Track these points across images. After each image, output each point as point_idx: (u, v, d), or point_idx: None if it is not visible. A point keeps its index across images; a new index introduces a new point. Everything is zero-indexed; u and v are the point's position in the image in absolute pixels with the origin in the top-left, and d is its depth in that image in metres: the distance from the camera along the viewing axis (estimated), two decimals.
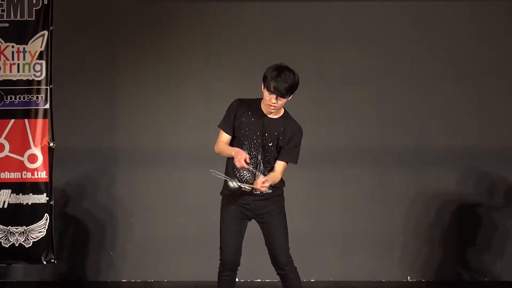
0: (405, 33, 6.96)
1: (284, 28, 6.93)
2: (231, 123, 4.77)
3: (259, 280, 6.87)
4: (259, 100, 4.79)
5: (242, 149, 4.70)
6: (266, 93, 4.65)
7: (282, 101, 4.65)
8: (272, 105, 4.65)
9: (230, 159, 4.78)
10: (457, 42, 6.95)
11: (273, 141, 4.73)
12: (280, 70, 4.63)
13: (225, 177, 4.70)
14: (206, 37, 6.95)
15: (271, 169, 4.78)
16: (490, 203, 6.92)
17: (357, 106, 6.96)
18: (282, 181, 4.85)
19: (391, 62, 6.95)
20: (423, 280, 6.95)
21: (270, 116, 4.76)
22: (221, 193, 4.92)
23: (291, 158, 4.80)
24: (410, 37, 6.95)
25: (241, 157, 4.55)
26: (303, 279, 4.92)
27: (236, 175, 4.75)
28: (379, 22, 6.95)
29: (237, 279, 4.92)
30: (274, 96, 4.62)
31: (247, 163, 4.57)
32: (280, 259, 4.77)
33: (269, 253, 4.83)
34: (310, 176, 6.87)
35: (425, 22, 6.95)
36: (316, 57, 6.94)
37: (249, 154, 4.70)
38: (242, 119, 4.74)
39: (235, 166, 4.66)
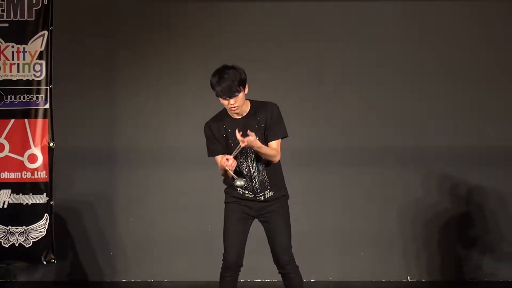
0: (405, 33, 6.96)
1: (284, 28, 6.93)
2: (217, 145, 4.71)
3: (259, 280, 6.87)
4: (223, 110, 4.76)
5: (236, 160, 4.63)
6: (220, 100, 4.62)
7: (237, 98, 4.58)
8: (232, 107, 4.60)
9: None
10: (457, 42, 6.94)
11: (258, 135, 4.66)
12: (219, 72, 4.60)
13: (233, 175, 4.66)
14: (206, 37, 6.95)
15: (267, 162, 4.73)
16: (490, 203, 6.92)
17: (357, 106, 6.96)
18: (285, 187, 4.85)
19: (391, 62, 6.95)
20: (423, 280, 6.95)
21: (239, 117, 4.71)
22: (225, 192, 4.90)
23: (279, 133, 4.69)
24: (410, 37, 6.95)
25: (225, 163, 4.50)
26: (303, 279, 4.92)
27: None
28: (379, 22, 6.95)
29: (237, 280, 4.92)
30: (227, 99, 4.58)
31: (237, 164, 4.56)
32: (281, 258, 4.77)
33: (271, 251, 4.83)
34: (309, 176, 6.87)
35: (425, 22, 6.95)
36: (316, 57, 6.94)
37: (242, 161, 4.69)
38: (222, 135, 4.71)
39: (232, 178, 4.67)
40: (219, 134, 4.70)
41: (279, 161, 4.78)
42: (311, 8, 6.95)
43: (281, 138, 4.73)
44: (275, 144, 4.69)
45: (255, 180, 4.74)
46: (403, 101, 6.96)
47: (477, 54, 6.94)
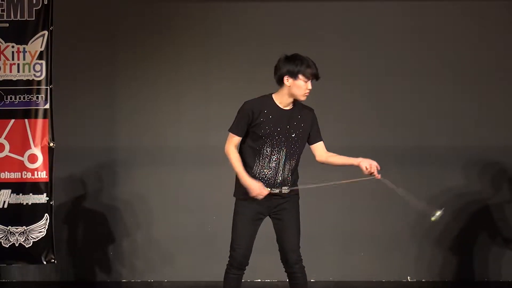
0: (405, 33, 6.96)
1: (284, 28, 6.93)
2: (244, 127, 4.75)
3: (259, 280, 6.87)
4: (269, 96, 4.83)
5: (264, 148, 4.72)
6: (300, 83, 4.74)
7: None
8: (309, 90, 4.79)
9: (250, 158, 4.78)
10: (457, 42, 6.95)
11: (296, 131, 4.77)
12: (307, 58, 4.83)
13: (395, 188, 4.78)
14: (206, 37, 6.95)
15: (296, 162, 4.82)
16: (490, 203, 6.92)
17: (357, 106, 6.96)
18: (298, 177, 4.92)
19: (391, 62, 6.95)
20: (423, 280, 6.95)
21: (286, 108, 4.80)
22: (234, 194, 4.88)
23: (320, 136, 4.98)
24: (410, 37, 6.95)
25: (257, 194, 4.65)
26: None
27: (256, 174, 4.76)
28: (379, 22, 6.95)
29: None
30: (309, 82, 4.78)
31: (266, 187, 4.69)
32: (290, 257, 4.78)
33: (279, 249, 4.82)
34: (310, 176, 6.86)
35: (425, 22, 6.95)
36: (316, 57, 6.90)
37: (272, 151, 4.73)
38: (260, 119, 4.73)
39: (258, 165, 4.76)
40: (257, 116, 4.73)
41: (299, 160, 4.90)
42: (311, 8, 6.95)
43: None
44: (323, 144, 4.97)
45: (279, 174, 4.75)
46: (403, 101, 6.96)
47: (477, 54, 6.94)
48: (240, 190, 4.79)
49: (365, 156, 6.92)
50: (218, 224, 6.67)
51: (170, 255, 6.92)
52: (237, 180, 4.81)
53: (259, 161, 4.75)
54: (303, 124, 4.80)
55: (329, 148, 4.97)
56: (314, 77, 4.78)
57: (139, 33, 6.95)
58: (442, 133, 6.94)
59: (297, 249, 4.80)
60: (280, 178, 4.77)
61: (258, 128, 4.72)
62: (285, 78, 4.74)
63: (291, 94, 4.76)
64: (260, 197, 4.63)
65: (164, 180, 6.94)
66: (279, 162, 4.75)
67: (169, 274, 6.94)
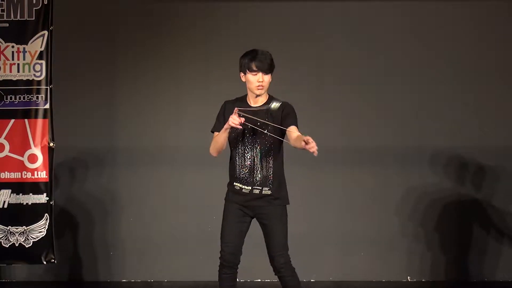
0: (405, 33, 6.96)
1: (284, 28, 6.93)
2: (221, 125, 4.75)
3: (259, 280, 6.87)
4: (244, 95, 4.85)
5: (238, 147, 4.74)
6: (250, 77, 4.70)
7: (266, 77, 4.70)
8: (259, 84, 4.70)
9: (232, 162, 4.80)
10: (457, 42, 6.95)
11: (267, 127, 4.69)
12: (255, 50, 4.73)
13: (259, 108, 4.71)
14: (206, 37, 6.95)
15: (277, 160, 4.75)
16: (490, 203, 6.92)
17: (357, 106, 6.96)
18: (285, 189, 4.85)
19: (391, 62, 6.95)
20: (423, 280, 6.95)
21: (256, 105, 4.77)
22: (227, 186, 4.90)
23: (295, 121, 4.74)
24: (410, 37, 6.95)
25: (233, 119, 4.53)
26: (303, 279, 4.93)
27: (237, 175, 4.77)
28: (379, 22, 6.95)
29: (237, 279, 4.92)
30: (259, 74, 4.68)
31: (240, 123, 4.55)
32: (276, 261, 4.77)
33: (267, 253, 4.83)
34: (310, 176, 6.87)
35: (425, 22, 6.95)
36: (316, 57, 6.94)
37: (245, 149, 4.73)
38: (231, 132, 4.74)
39: (236, 166, 4.72)
40: (225, 116, 4.73)
41: (282, 160, 4.84)
42: (311, 8, 6.95)
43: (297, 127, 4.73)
44: (295, 128, 4.68)
45: (257, 172, 4.73)
46: (403, 101, 6.96)
47: (477, 54, 6.94)
48: (228, 189, 4.85)
49: (365, 155, 6.96)
50: (218, 224, 6.63)
51: (170, 255, 6.92)
52: (228, 184, 4.85)
53: (237, 161, 4.77)
54: (273, 119, 4.72)
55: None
56: (259, 69, 4.67)
57: (139, 33, 6.95)
58: (442, 133, 6.94)
59: (282, 253, 4.77)
60: (259, 176, 4.74)
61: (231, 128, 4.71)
62: (241, 75, 4.79)
63: (250, 90, 4.78)
64: (235, 122, 4.50)
65: (164, 180, 6.94)
66: (254, 159, 4.74)
67: (169, 274, 6.95)
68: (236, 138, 4.76)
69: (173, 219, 6.93)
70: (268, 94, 4.83)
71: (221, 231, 4.85)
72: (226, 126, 4.63)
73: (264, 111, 4.72)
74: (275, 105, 4.68)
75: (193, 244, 6.90)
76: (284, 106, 4.76)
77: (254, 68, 4.68)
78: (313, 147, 4.41)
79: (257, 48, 4.78)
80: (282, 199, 4.82)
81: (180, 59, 6.95)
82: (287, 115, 4.74)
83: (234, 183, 4.80)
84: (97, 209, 6.94)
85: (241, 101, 4.82)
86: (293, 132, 4.64)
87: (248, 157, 4.75)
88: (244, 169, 4.76)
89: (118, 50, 6.96)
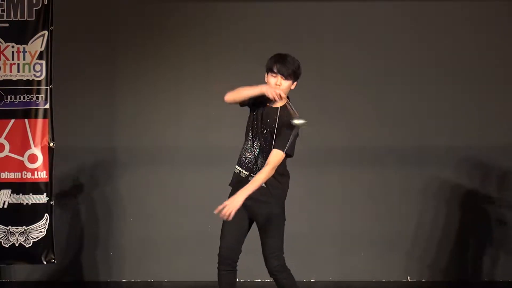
0: (405, 33, 6.96)
1: (284, 28, 6.93)
2: (249, 100, 4.78)
3: (259, 280, 6.87)
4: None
5: (249, 133, 4.76)
6: (269, 78, 4.71)
7: (285, 82, 4.68)
8: (277, 87, 4.67)
9: (244, 144, 4.79)
10: (457, 42, 6.95)
11: (267, 128, 4.71)
12: (282, 55, 4.72)
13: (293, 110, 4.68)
14: (206, 37, 6.95)
15: (265, 157, 4.71)
16: (490, 203, 6.92)
17: (357, 106, 6.96)
18: (283, 179, 4.81)
19: (391, 62, 6.95)
20: (423, 280, 6.95)
21: (271, 105, 4.75)
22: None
23: (282, 145, 4.63)
24: (410, 37, 6.96)
25: (273, 90, 4.56)
26: (303, 279, 4.93)
27: (241, 157, 4.78)
28: (379, 22, 6.96)
29: (237, 279, 4.91)
30: (278, 77, 4.67)
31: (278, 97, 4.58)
32: (269, 263, 4.78)
33: (262, 254, 4.83)
34: (310, 176, 6.87)
35: (425, 22, 6.95)
36: (316, 57, 6.94)
37: (252, 138, 4.74)
38: (253, 107, 4.79)
39: (243, 148, 4.75)
40: (251, 102, 4.75)
41: (285, 164, 4.78)
42: (312, 8, 6.95)
43: (283, 152, 4.64)
44: (273, 153, 4.62)
45: (259, 160, 4.72)
46: (403, 101, 6.96)
47: (477, 54, 6.94)
48: (231, 186, 4.84)
49: (365, 155, 6.96)
50: (218, 224, 6.66)
51: (170, 255, 6.93)
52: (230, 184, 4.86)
53: (246, 144, 4.79)
54: (273, 124, 4.70)
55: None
56: (279, 72, 4.65)
57: (139, 33, 6.96)
58: (442, 133, 6.95)
59: (276, 255, 4.76)
60: (259, 165, 4.73)
61: (249, 114, 4.79)
62: (265, 75, 4.78)
63: None
64: (273, 93, 4.54)
65: (164, 180, 6.94)
66: (255, 150, 4.76)
67: (169, 274, 6.95)
68: (253, 122, 4.76)
69: (173, 219, 6.93)
70: (288, 100, 4.77)
71: (221, 227, 4.85)
72: (261, 87, 4.61)
73: (271, 115, 4.70)
74: (302, 123, 4.57)
75: (193, 244, 6.90)
76: (288, 123, 4.63)
77: (275, 70, 4.67)
78: (222, 210, 4.50)
79: (286, 52, 4.73)
80: (276, 197, 4.77)
81: (180, 59, 6.96)
82: (284, 130, 4.66)
83: (236, 165, 4.80)
84: (97, 209, 6.93)
85: (262, 99, 4.74)
86: (270, 155, 4.62)
87: (255, 144, 4.76)
88: (248, 153, 4.76)
89: (118, 50, 6.96)
